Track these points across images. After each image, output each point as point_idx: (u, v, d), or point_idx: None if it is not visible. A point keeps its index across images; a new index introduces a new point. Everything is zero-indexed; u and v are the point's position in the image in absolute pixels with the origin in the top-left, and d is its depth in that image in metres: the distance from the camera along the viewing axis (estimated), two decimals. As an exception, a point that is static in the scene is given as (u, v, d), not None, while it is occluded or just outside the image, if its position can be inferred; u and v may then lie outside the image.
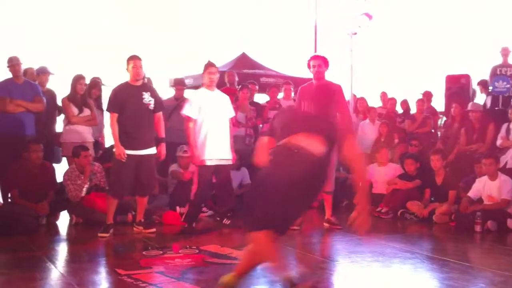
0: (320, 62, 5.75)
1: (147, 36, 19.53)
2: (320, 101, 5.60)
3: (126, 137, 5.45)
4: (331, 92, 5.71)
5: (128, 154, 5.41)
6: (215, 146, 5.63)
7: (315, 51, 12.27)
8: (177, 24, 19.86)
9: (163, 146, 5.73)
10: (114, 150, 5.52)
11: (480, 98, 8.95)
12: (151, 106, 5.58)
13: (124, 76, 5.71)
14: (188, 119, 5.65)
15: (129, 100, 5.48)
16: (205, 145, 5.61)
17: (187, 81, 9.55)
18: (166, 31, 19.77)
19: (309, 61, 5.83)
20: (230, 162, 5.83)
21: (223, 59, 12.05)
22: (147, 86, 5.78)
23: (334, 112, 5.62)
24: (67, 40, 18.37)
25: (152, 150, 5.60)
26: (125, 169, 5.43)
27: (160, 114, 5.73)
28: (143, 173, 5.53)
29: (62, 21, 18.87)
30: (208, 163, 5.63)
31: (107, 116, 6.82)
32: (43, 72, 6.93)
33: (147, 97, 5.55)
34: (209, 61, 5.80)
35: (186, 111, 5.69)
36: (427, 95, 9.14)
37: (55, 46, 17.29)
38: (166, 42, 18.84)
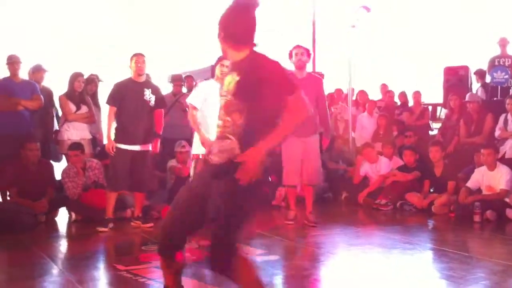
0: (302, 51, 5.66)
1: (147, 36, 19.52)
2: (308, 95, 5.44)
3: (123, 131, 5.50)
4: (317, 85, 5.66)
5: (124, 149, 5.48)
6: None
7: (314, 45, 12.24)
8: (177, 24, 19.82)
9: (157, 141, 5.77)
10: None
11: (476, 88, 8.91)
12: (152, 103, 5.61)
13: (123, 76, 5.73)
14: (192, 107, 5.31)
15: (130, 95, 5.52)
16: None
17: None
18: (166, 31, 19.74)
19: (291, 50, 5.70)
20: None
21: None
22: (150, 83, 5.81)
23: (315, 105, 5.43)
24: (67, 40, 18.34)
25: (148, 147, 5.63)
26: (121, 163, 5.50)
27: (161, 111, 5.79)
28: (137, 169, 5.55)
29: (62, 21, 18.81)
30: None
31: (103, 112, 6.84)
32: (38, 70, 6.88)
33: (148, 94, 5.59)
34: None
35: (190, 99, 5.37)
36: (416, 96, 9.00)
37: (55, 46, 17.28)
38: (166, 42, 18.80)
